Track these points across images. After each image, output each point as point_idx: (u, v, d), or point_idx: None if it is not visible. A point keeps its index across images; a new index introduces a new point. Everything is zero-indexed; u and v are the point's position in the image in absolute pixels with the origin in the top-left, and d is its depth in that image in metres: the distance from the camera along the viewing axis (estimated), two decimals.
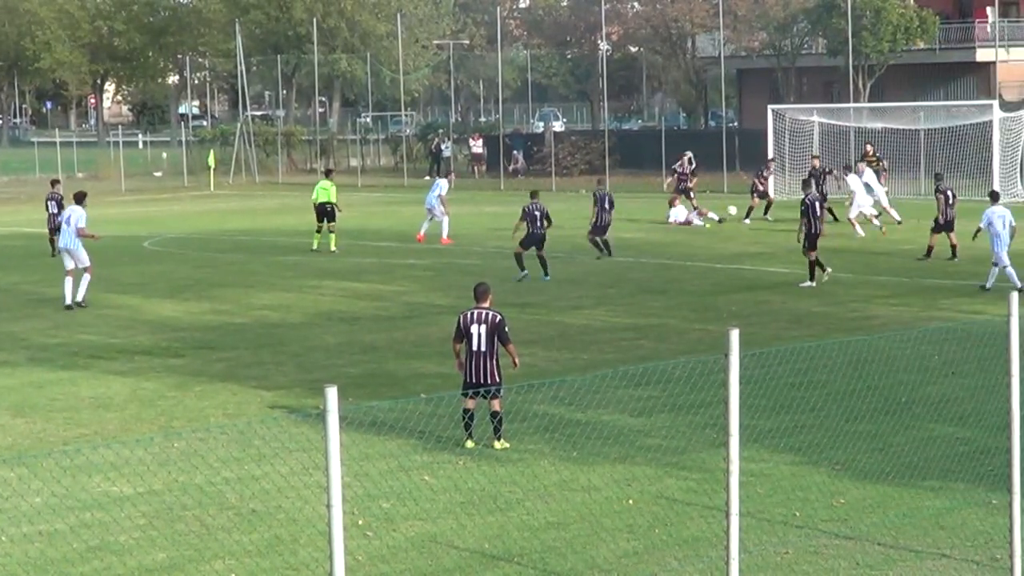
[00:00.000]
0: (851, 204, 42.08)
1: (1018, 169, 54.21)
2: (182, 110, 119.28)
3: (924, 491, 15.09)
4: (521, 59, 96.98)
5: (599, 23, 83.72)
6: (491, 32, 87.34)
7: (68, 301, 29.48)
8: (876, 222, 41.76)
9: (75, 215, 30.27)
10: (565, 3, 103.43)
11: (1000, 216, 29.94)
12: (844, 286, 30.66)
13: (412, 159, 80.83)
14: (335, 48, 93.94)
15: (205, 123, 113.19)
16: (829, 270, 31.18)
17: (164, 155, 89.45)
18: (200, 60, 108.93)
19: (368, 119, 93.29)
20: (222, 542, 13.61)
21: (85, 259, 29.85)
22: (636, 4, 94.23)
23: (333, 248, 39.62)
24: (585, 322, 26.71)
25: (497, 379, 17.06)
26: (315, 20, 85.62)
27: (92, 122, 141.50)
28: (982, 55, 75.24)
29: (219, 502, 14.85)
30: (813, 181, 36.33)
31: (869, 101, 70.22)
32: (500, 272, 32.47)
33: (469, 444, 16.98)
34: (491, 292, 17.68)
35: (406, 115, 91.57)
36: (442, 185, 42.30)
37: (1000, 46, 73.18)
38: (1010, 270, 29.42)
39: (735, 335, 10.57)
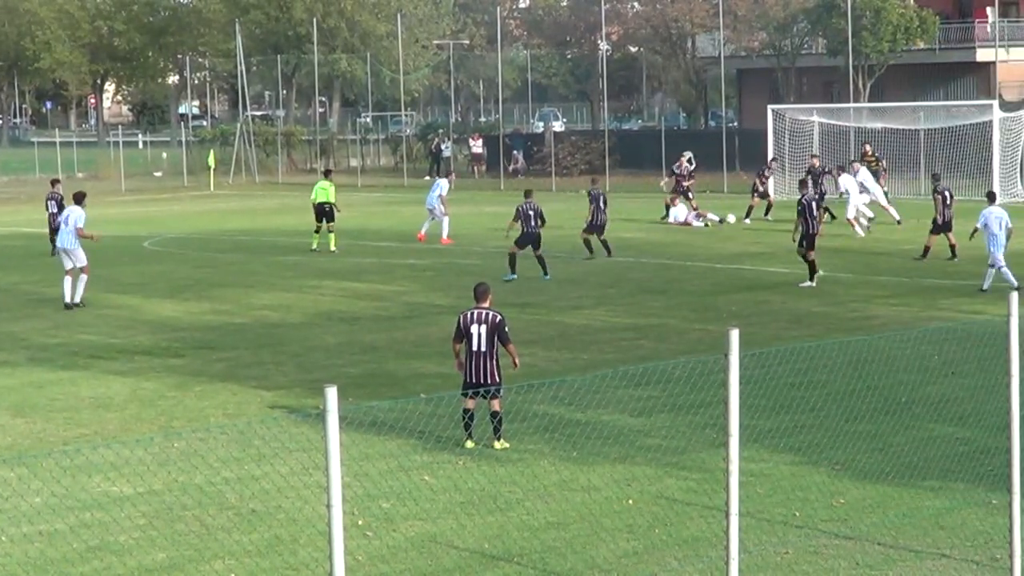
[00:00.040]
0: (848, 203, 42.11)
1: (1018, 169, 54.18)
2: (182, 110, 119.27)
3: (924, 491, 15.09)
4: (521, 59, 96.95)
5: (599, 23, 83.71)
6: (491, 32, 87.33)
7: (68, 300, 29.52)
8: (864, 221, 41.73)
9: (74, 215, 30.30)
10: (565, 3, 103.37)
11: (997, 217, 29.94)
12: (844, 286, 30.68)
13: (412, 159, 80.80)
14: (335, 48, 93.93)
15: (205, 123, 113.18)
16: (820, 273, 31.15)
17: (164, 155, 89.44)
18: (200, 60, 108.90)
19: (368, 119, 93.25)
20: (222, 542, 13.61)
21: (82, 259, 29.85)
22: (636, 4, 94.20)
23: (333, 248, 39.63)
24: (585, 322, 26.71)
25: (497, 379, 17.05)
26: (315, 20, 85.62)
27: (92, 122, 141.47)
28: (982, 55, 75.25)
29: (219, 502, 14.84)
30: (810, 181, 36.34)
31: (869, 101, 70.22)
32: (500, 272, 32.46)
33: (469, 444, 16.98)
34: (491, 292, 17.67)
35: (406, 115, 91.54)
36: (442, 185, 42.31)
37: (1000, 46, 73.18)
38: (1005, 270, 29.41)
39: (735, 335, 10.58)
